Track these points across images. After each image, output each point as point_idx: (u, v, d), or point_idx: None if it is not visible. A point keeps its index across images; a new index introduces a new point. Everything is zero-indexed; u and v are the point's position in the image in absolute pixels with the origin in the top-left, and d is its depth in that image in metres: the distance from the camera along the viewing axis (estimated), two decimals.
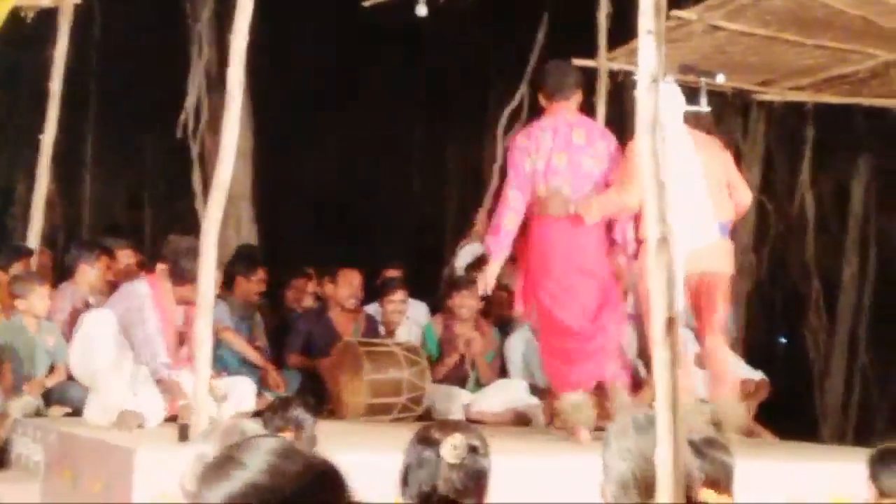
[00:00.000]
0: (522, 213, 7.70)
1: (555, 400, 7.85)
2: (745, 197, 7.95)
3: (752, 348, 13.68)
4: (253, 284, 10.07)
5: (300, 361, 10.06)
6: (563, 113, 7.83)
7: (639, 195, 6.80)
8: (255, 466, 2.29)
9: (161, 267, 8.38)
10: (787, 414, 10.98)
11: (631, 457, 3.46)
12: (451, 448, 3.53)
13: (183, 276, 8.03)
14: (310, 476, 2.29)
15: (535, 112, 12.60)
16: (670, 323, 3.21)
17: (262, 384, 9.35)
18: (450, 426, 3.69)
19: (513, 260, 11.68)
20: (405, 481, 3.57)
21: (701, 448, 4.09)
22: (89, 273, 9.38)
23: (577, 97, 7.99)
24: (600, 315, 7.78)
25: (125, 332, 8.07)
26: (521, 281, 8.07)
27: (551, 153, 7.64)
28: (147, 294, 8.19)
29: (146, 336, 8.03)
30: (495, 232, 7.75)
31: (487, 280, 7.86)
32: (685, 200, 7.22)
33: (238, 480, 2.27)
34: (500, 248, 7.73)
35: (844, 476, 6.80)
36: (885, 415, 16.44)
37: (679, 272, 7.13)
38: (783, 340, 18.34)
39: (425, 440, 3.58)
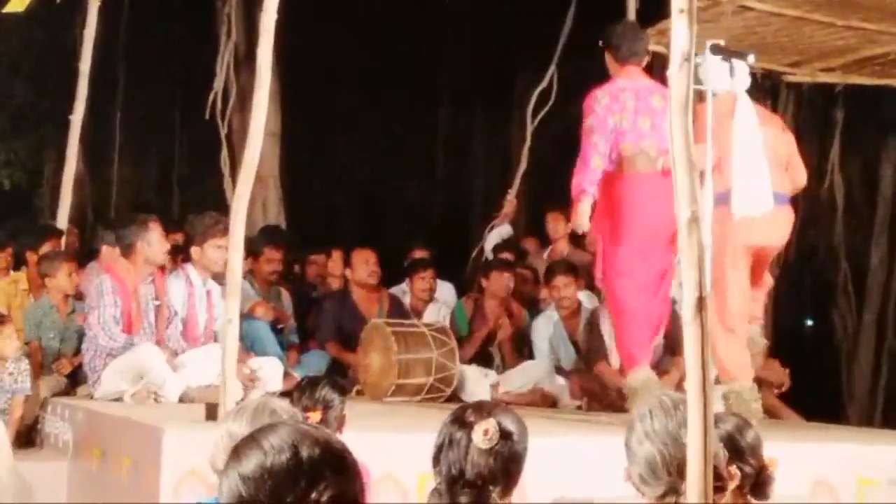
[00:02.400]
0: (607, 158, 7.49)
1: (623, 378, 7.75)
2: (802, 178, 7.88)
3: (780, 331, 13.65)
4: (262, 265, 10.04)
5: (338, 350, 10.06)
6: (639, 77, 7.71)
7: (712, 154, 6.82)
8: (272, 449, 2.29)
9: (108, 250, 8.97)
10: (815, 396, 10.96)
11: (658, 438, 3.45)
12: (483, 433, 3.50)
13: (126, 244, 8.46)
14: (326, 463, 2.29)
15: (565, 94, 12.65)
16: (700, 302, 3.19)
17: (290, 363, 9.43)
18: (487, 409, 3.63)
19: (540, 242, 11.74)
20: (437, 460, 3.55)
21: (725, 424, 4.07)
22: (111, 254, 9.43)
23: (646, 61, 7.88)
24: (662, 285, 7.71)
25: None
26: (601, 246, 7.88)
27: (636, 115, 7.50)
28: (104, 280, 8.35)
29: (100, 323, 8.19)
30: (583, 171, 7.45)
31: (582, 221, 7.64)
32: (745, 167, 7.20)
33: (254, 462, 2.28)
34: (591, 184, 7.52)
35: (871, 458, 6.79)
36: None
37: (737, 239, 7.20)
38: (811, 323, 18.29)
39: (459, 421, 3.56)
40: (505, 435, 3.53)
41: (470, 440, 3.50)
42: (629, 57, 7.70)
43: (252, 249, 9.91)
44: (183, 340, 8.53)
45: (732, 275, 7.34)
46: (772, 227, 7.49)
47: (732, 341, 7.36)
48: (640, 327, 7.61)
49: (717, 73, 6.70)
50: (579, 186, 7.48)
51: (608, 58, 7.77)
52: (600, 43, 7.94)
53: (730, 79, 6.89)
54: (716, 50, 6.74)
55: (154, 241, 8.42)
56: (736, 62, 6.87)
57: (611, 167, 7.50)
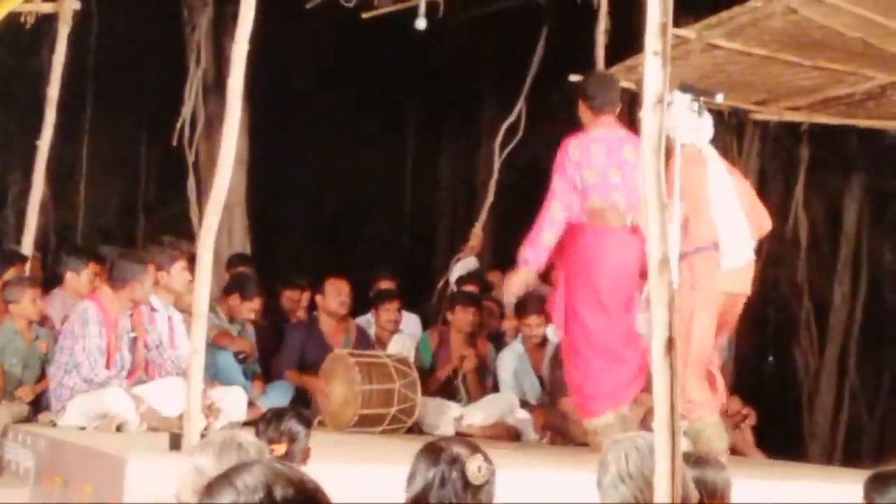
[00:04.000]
0: (562, 228, 7.60)
1: (585, 422, 7.82)
2: (767, 223, 8.04)
3: (743, 367, 13.68)
4: (234, 308, 10.07)
5: (298, 378, 10.02)
6: (612, 127, 7.80)
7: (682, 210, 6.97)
8: (245, 489, 2.29)
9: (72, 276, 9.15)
10: (776, 433, 11.00)
11: (633, 482, 3.46)
12: (476, 469, 3.51)
13: (120, 277, 8.33)
14: (299, 502, 2.29)
15: (533, 128, 12.68)
16: (670, 342, 3.21)
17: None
18: (469, 445, 3.67)
19: (503, 272, 11.76)
20: (424, 499, 3.53)
21: (698, 464, 4.11)
22: (75, 281, 9.38)
23: (618, 110, 7.97)
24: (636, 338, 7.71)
25: (70, 348, 8.18)
26: (559, 291, 7.92)
27: (606, 168, 7.57)
28: (89, 308, 8.22)
29: (86, 353, 8.09)
30: (534, 244, 7.59)
31: (514, 290, 7.74)
32: (727, 216, 7.35)
33: (227, 501, 2.28)
34: (536, 260, 7.57)
35: (833, 496, 6.81)
36: (874, 435, 16.45)
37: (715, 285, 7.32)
38: (773, 359, 18.33)
39: (450, 459, 3.56)
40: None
41: (463, 476, 3.51)
42: (604, 107, 7.80)
43: (230, 291, 10.01)
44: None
45: (704, 318, 7.45)
46: (745, 274, 7.63)
47: (698, 378, 7.46)
48: (598, 378, 7.66)
49: (683, 123, 6.84)
50: (524, 257, 7.61)
51: (582, 108, 7.87)
52: (576, 93, 8.03)
53: (695, 130, 7.03)
54: (685, 88, 6.83)
55: (147, 284, 8.38)
56: (702, 116, 7.00)
57: (581, 218, 7.57)
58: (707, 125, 7.31)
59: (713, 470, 4.16)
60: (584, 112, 7.88)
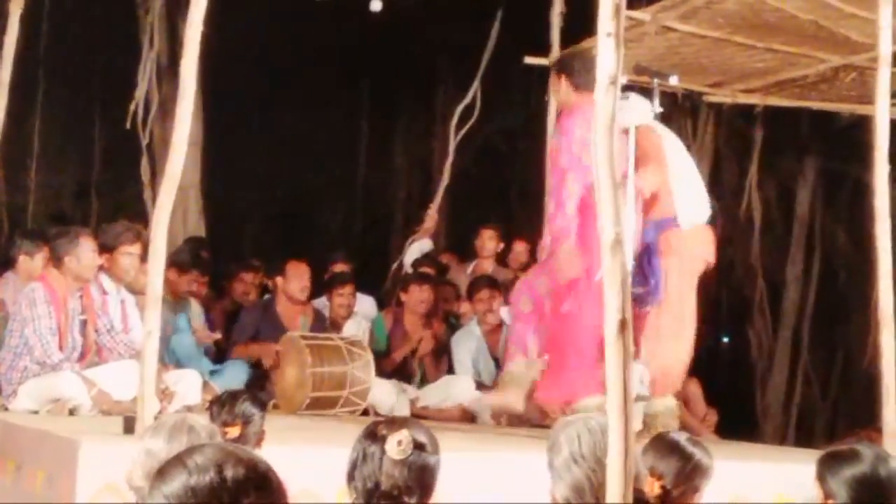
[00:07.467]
0: (579, 198, 7.37)
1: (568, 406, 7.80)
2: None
3: (697, 348, 13.75)
4: (184, 283, 10.00)
5: (245, 350, 9.98)
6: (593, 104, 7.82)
7: (650, 180, 7.22)
8: (196, 469, 2.30)
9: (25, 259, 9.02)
10: (729, 413, 11.06)
11: (586, 463, 3.49)
12: (396, 444, 3.54)
13: (55, 256, 8.19)
14: (250, 482, 2.31)
15: (488, 109, 12.69)
16: (622, 324, 3.22)
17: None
18: (398, 423, 3.70)
19: (460, 257, 11.79)
20: (351, 476, 3.58)
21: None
22: (29, 264, 9.30)
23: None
24: None
25: (20, 330, 8.08)
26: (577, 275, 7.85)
27: None
28: (36, 289, 8.13)
29: (37, 335, 8.00)
30: (564, 217, 7.39)
31: (572, 266, 7.54)
32: (685, 180, 7.46)
33: (178, 482, 2.29)
34: (572, 231, 7.35)
35: (786, 476, 6.86)
36: (826, 415, 16.61)
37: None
38: (726, 340, 18.45)
39: (371, 436, 3.60)
40: (418, 446, 3.58)
41: (384, 452, 3.54)
42: (588, 85, 7.77)
43: (176, 262, 9.89)
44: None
45: (690, 291, 7.65)
46: (713, 244, 7.78)
47: (679, 350, 7.64)
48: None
49: (631, 108, 6.93)
50: (564, 232, 7.42)
51: (565, 85, 7.75)
52: (556, 70, 8.01)
53: (643, 111, 7.12)
54: (639, 70, 6.88)
55: (83, 257, 8.18)
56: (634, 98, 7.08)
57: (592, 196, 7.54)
58: (648, 104, 7.40)
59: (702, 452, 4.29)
60: (566, 89, 7.76)
